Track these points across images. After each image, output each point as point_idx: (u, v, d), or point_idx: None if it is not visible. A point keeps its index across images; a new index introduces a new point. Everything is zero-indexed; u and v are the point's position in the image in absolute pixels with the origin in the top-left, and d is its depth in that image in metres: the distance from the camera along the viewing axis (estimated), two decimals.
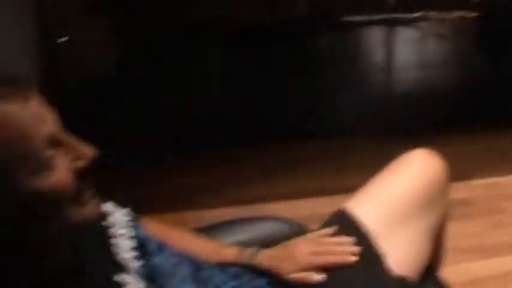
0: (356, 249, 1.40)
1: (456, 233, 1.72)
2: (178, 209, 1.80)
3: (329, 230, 1.46)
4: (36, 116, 0.98)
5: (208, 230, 1.63)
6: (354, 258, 1.38)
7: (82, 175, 1.02)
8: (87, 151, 1.03)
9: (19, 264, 1.02)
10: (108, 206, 1.27)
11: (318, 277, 1.37)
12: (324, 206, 1.59)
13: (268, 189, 2.89)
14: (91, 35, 3.92)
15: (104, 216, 1.24)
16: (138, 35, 4.43)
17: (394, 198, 1.49)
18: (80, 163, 1.01)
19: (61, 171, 0.99)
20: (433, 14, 4.93)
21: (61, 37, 3.76)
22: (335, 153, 3.18)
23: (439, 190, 1.54)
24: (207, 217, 1.80)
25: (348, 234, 1.45)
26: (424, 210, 1.50)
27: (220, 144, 3.33)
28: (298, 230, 1.63)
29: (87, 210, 1.04)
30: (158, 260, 1.21)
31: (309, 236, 1.48)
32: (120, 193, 1.32)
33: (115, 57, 4.12)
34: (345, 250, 1.40)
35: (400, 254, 1.44)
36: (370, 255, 1.42)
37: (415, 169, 1.54)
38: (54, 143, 0.99)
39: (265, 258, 1.42)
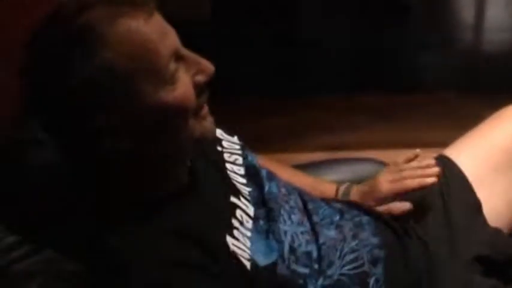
0: (436, 169, 1.39)
1: None
2: (271, 150, 1.84)
3: (410, 155, 1.46)
4: (160, 30, 1.02)
5: (308, 167, 1.65)
6: (432, 180, 1.38)
7: (202, 90, 1.06)
8: (207, 66, 1.06)
9: (141, 178, 1.07)
10: (219, 132, 1.31)
11: (402, 206, 1.39)
12: None
13: (359, 137, 2.93)
14: None
15: (219, 140, 1.29)
16: None
17: (493, 149, 1.50)
18: (200, 78, 1.05)
19: (184, 85, 1.03)
20: None
21: None
22: (425, 108, 3.17)
23: None
24: (296, 160, 1.84)
25: (449, 178, 1.46)
26: None
27: (315, 91, 3.36)
28: None
29: (207, 124, 1.09)
30: (268, 187, 1.25)
31: (389, 166, 1.50)
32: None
33: None
34: (423, 173, 1.39)
35: (495, 205, 1.45)
36: (469, 202, 1.43)
37: None
38: (178, 57, 1.03)
39: (354, 193, 1.45)
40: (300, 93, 3.32)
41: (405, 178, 1.40)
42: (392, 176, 1.42)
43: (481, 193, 1.44)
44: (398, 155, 1.52)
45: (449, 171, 1.48)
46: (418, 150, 1.46)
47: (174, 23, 1.08)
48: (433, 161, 1.42)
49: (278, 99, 3.27)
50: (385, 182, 1.42)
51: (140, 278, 0.99)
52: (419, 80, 3.61)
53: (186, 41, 1.10)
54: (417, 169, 1.41)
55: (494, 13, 4.64)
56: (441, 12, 4.61)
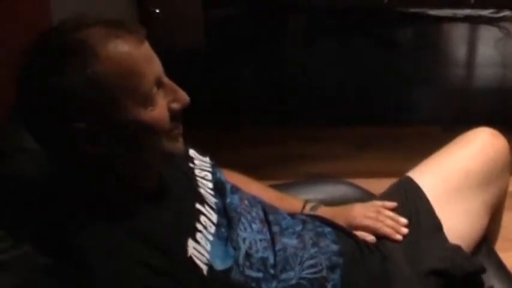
0: (405, 231, 1.48)
1: (507, 223, 1.76)
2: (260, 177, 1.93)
3: (390, 204, 1.54)
4: (148, 57, 1.14)
5: (282, 186, 1.73)
6: (399, 238, 1.47)
7: (175, 116, 1.18)
8: (183, 96, 1.18)
9: (111, 182, 1.17)
10: (192, 152, 1.44)
11: (371, 238, 1.47)
12: None
13: (342, 167, 3.00)
14: (182, 8, 4.08)
15: (191, 159, 1.42)
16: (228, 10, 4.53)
17: (455, 171, 1.56)
18: (175, 106, 1.17)
19: (161, 108, 1.14)
20: None
21: (155, 8, 3.85)
22: (409, 141, 3.21)
23: (501, 167, 1.59)
24: None
25: (410, 199, 1.53)
26: (483, 185, 1.55)
27: (298, 120, 3.47)
28: (369, 197, 1.69)
29: (177, 144, 1.20)
30: (230, 199, 1.37)
31: (370, 202, 1.57)
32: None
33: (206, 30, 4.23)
34: (395, 226, 1.48)
35: (456, 224, 1.50)
36: (429, 222, 1.49)
37: (479, 145, 1.59)
38: (159, 83, 1.14)
39: (322, 211, 1.54)
40: (289, 124, 3.43)
41: (379, 221, 1.49)
42: (368, 213, 1.51)
43: (442, 213, 1.51)
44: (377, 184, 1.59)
45: (412, 192, 1.55)
46: (395, 204, 1.54)
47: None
48: (406, 221, 1.50)
49: (267, 129, 3.37)
50: (360, 215, 1.51)
51: (103, 275, 1.08)
52: (406, 114, 3.67)
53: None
54: (391, 220, 1.50)
55: (484, 49, 4.73)
56: (432, 48, 4.68)
